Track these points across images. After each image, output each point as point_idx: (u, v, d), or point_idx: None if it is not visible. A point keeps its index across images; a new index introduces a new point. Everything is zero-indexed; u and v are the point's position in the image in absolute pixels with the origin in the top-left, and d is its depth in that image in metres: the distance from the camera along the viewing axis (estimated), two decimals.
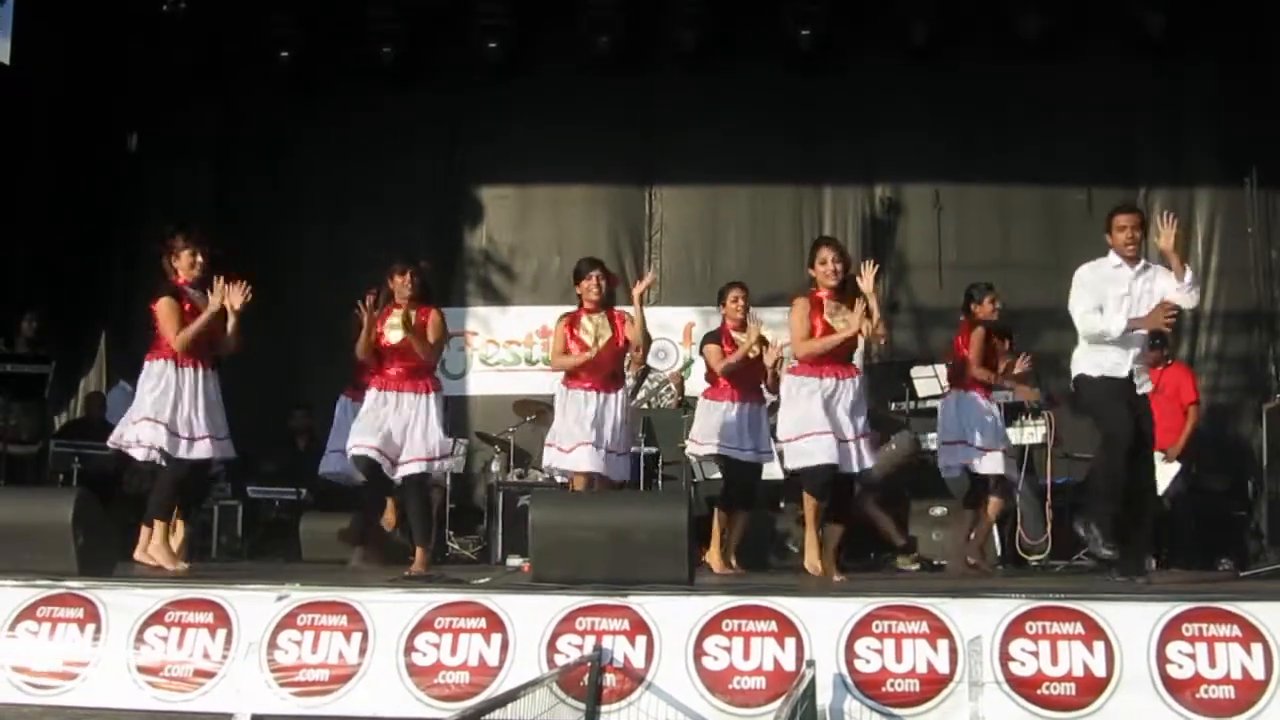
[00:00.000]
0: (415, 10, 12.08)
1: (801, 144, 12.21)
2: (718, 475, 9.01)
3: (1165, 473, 8.89)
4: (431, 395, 7.94)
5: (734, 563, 8.69)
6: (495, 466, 10.93)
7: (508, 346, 12.33)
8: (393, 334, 7.90)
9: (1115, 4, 11.49)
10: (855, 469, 7.71)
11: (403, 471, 7.86)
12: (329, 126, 12.44)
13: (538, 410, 10.54)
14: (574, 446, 8.02)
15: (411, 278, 7.95)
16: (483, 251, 12.58)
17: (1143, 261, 7.36)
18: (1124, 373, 7.24)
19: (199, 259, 7.75)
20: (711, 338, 8.95)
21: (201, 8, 11.87)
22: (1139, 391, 7.32)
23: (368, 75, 12.28)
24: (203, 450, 7.68)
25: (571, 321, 8.22)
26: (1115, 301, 7.27)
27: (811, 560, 7.73)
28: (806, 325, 7.76)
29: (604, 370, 8.18)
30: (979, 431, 8.49)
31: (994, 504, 8.70)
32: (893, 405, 10.06)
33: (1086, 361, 7.33)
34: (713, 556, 8.61)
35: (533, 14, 12.12)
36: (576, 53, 12.24)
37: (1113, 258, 7.37)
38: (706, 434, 8.69)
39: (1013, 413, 9.21)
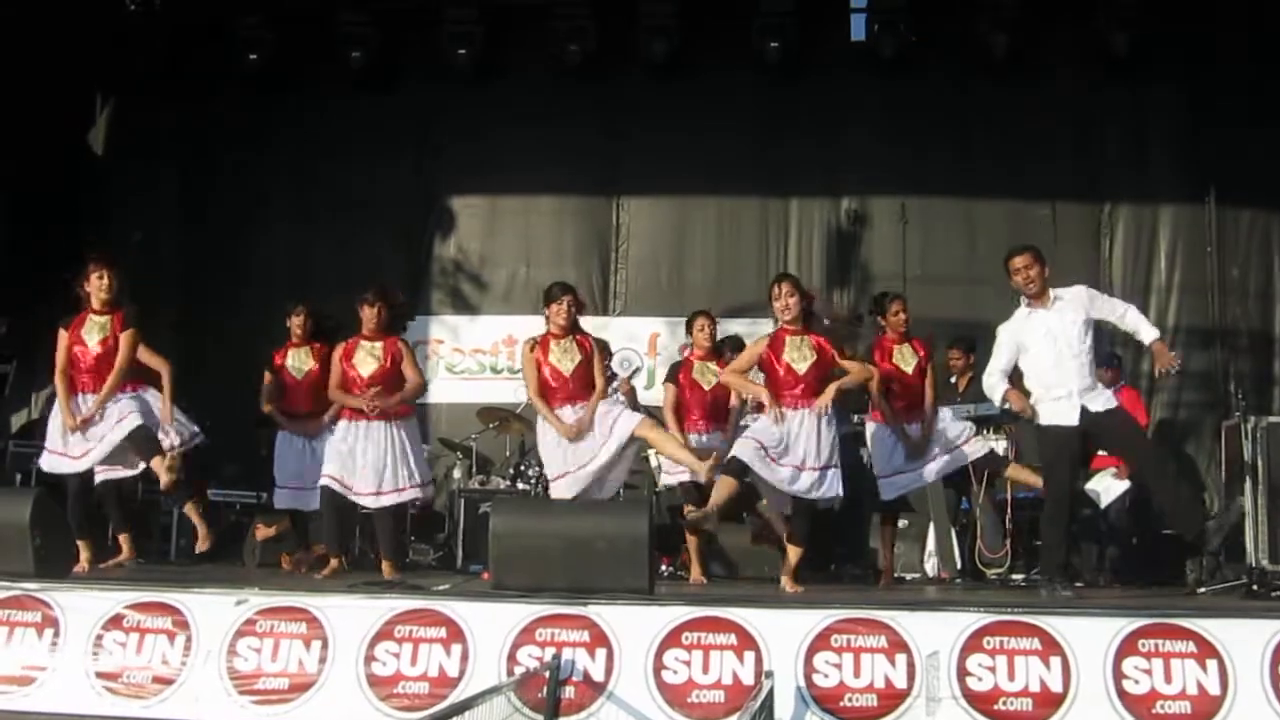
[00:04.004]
0: (386, 16, 12.05)
1: (769, 155, 12.18)
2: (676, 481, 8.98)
3: (1113, 489, 8.94)
4: (404, 422, 8.06)
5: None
6: (457, 473, 10.89)
7: (474, 355, 12.26)
8: (363, 367, 7.96)
9: (1081, 23, 11.56)
10: (820, 495, 7.64)
11: (381, 503, 7.96)
12: (298, 130, 12.37)
13: (501, 418, 10.54)
14: (557, 477, 8.00)
15: (380, 312, 8.08)
16: (453, 260, 12.48)
17: (1052, 295, 7.43)
18: (1073, 420, 7.28)
19: (101, 282, 7.92)
20: (671, 375, 8.97)
21: (171, 7, 11.81)
22: (1100, 409, 7.34)
23: (338, 80, 12.20)
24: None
25: (542, 350, 8.06)
26: (1037, 345, 7.36)
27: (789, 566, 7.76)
28: (746, 361, 7.86)
29: (575, 391, 8.08)
30: (895, 459, 8.54)
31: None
32: (855, 418, 10.07)
33: (1041, 411, 7.39)
34: (695, 574, 8.62)
35: (503, 22, 12.08)
36: (546, 62, 12.19)
37: (1023, 307, 7.46)
38: (671, 464, 8.68)
39: (976, 426, 9.21)
